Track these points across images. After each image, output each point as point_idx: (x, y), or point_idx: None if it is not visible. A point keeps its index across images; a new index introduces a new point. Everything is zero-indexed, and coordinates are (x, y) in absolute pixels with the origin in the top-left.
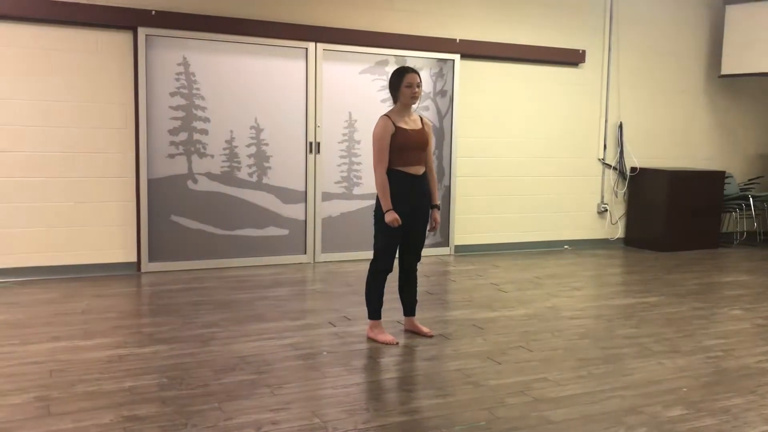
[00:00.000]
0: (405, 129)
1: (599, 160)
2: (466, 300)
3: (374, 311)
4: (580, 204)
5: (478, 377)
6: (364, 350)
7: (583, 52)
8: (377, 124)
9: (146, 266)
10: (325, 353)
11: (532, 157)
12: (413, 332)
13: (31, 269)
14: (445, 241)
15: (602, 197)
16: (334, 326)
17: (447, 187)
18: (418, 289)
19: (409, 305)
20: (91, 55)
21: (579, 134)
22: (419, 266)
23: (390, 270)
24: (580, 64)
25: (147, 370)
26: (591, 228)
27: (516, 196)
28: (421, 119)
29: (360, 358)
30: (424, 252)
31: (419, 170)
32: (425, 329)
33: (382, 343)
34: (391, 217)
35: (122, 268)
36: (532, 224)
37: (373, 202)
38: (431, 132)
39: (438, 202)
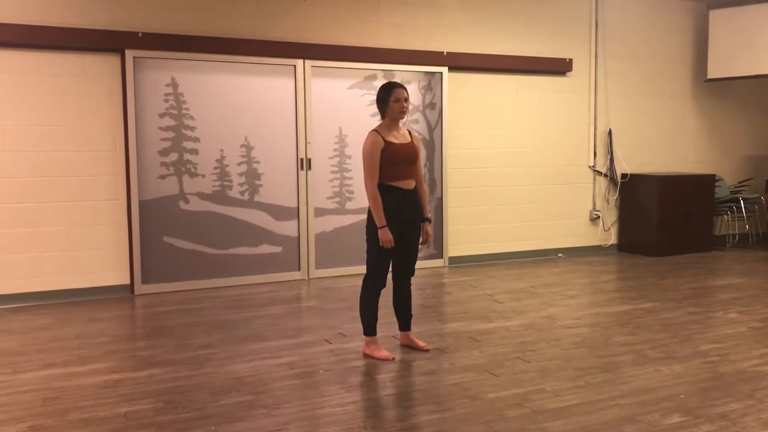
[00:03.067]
0: (394, 143)
1: (590, 167)
2: (461, 312)
3: (369, 327)
4: (572, 212)
5: (475, 390)
6: (361, 367)
7: (570, 60)
8: (366, 139)
9: (140, 288)
10: (321, 371)
11: (522, 167)
12: (410, 347)
13: (24, 295)
14: (438, 253)
15: (594, 204)
16: (330, 343)
17: (439, 199)
18: (413, 302)
19: (404, 320)
20: (79, 79)
21: (569, 142)
22: (413, 280)
23: (383, 285)
24: (568, 73)
25: (142, 394)
26: (584, 235)
27: (508, 206)
28: (410, 133)
29: (357, 375)
30: (418, 264)
31: (410, 184)
32: (421, 343)
33: (379, 359)
34: (385, 237)
35: (116, 291)
36: (525, 233)
37: (366, 216)
38: (420, 145)
39: (429, 215)
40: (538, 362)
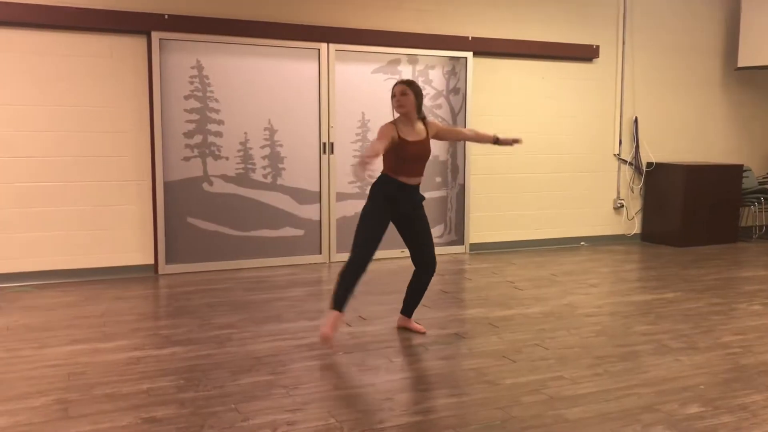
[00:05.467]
0: (407, 140)
1: (614, 155)
2: (481, 298)
3: (338, 302)
4: (595, 200)
5: (493, 376)
6: (380, 350)
7: (597, 47)
8: (382, 126)
9: (163, 268)
10: (340, 353)
11: (546, 154)
12: (406, 329)
13: (50, 273)
14: (460, 240)
15: (618, 193)
16: (350, 326)
17: (461, 185)
18: (432, 287)
19: (409, 306)
20: (105, 60)
21: (594, 130)
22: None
23: (364, 265)
24: (594, 60)
25: (164, 372)
26: (607, 224)
27: (531, 193)
28: (425, 123)
29: (375, 358)
30: (440, 250)
31: (416, 181)
32: (418, 326)
33: (324, 338)
34: (363, 162)
35: (140, 271)
36: (548, 221)
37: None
38: (437, 128)
39: (495, 135)
40: (556, 349)
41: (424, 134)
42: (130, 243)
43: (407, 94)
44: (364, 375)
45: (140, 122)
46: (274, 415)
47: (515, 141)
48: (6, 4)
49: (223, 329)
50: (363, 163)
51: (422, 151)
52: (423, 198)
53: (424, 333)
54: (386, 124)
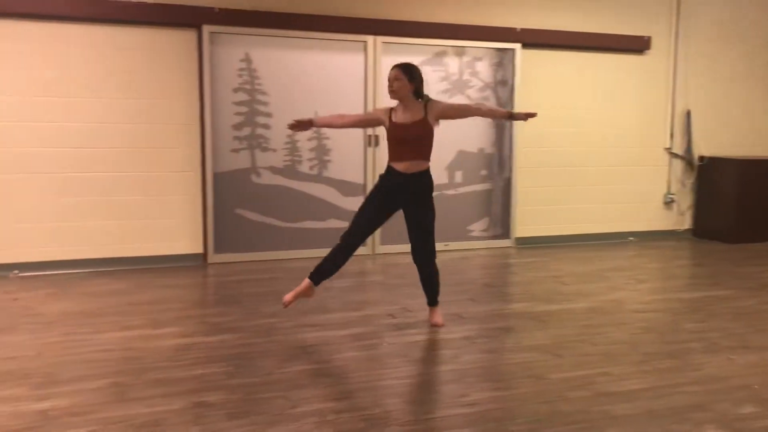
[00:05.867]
0: (395, 123)
1: (666, 149)
2: (526, 293)
3: (316, 273)
4: (645, 195)
5: (538, 370)
6: (424, 342)
7: (649, 38)
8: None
9: (212, 257)
10: (385, 344)
11: (595, 148)
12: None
13: (103, 260)
14: (505, 233)
15: (669, 187)
16: (395, 318)
17: (508, 178)
18: (476, 280)
19: (428, 295)
20: (158, 54)
21: (645, 123)
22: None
23: (349, 246)
24: (646, 51)
25: (213, 358)
26: (657, 219)
27: (579, 187)
28: (426, 106)
29: (420, 349)
30: (484, 244)
31: (407, 167)
32: (434, 319)
33: (284, 302)
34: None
35: (189, 260)
36: (596, 216)
37: (433, 194)
38: (440, 108)
39: (509, 111)
40: (603, 345)
41: (419, 117)
42: (180, 232)
43: (400, 79)
44: (410, 366)
45: (191, 114)
46: (321, 403)
47: (529, 115)
48: (66, 0)
49: (269, 318)
50: (300, 123)
51: (406, 133)
52: (427, 186)
53: (441, 326)
54: (380, 107)
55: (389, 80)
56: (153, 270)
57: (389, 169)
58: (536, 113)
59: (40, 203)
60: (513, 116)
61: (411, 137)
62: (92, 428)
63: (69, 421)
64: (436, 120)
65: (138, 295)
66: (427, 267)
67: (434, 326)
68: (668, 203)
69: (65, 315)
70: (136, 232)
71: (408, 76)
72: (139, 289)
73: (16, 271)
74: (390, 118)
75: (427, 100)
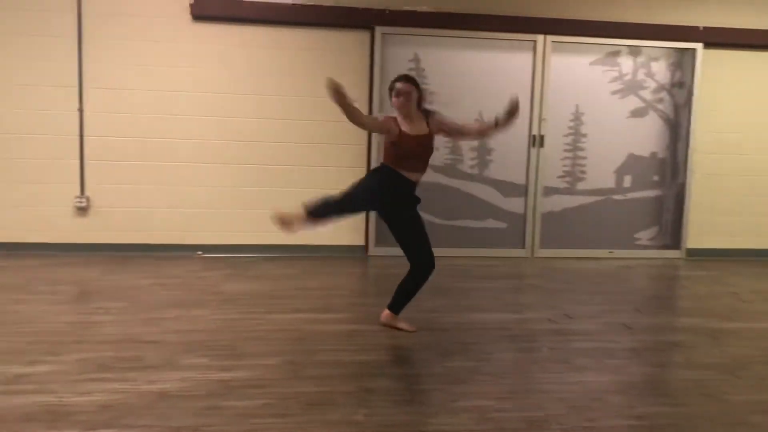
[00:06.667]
0: (407, 134)
1: None
2: (699, 307)
3: (313, 208)
4: None
5: (714, 390)
6: (587, 350)
7: None
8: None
9: (373, 250)
10: (546, 349)
11: None
12: (393, 327)
13: (274, 247)
14: (675, 243)
15: None
16: (556, 323)
17: (681, 185)
18: (643, 291)
19: (397, 303)
20: (332, 54)
21: None
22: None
23: (336, 210)
24: None
25: (376, 346)
26: None
27: (763, 198)
28: (428, 118)
29: (582, 356)
30: (651, 254)
31: (417, 177)
32: (405, 325)
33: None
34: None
35: (352, 251)
36: None
37: (599, 198)
38: (443, 122)
39: (495, 118)
40: None
41: (426, 130)
42: (344, 225)
43: (412, 92)
44: (571, 373)
45: None
46: (481, 400)
47: (511, 114)
48: (252, 4)
49: (429, 312)
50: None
51: (419, 146)
52: (419, 200)
53: (413, 332)
54: (388, 115)
55: (402, 93)
56: (319, 258)
57: (393, 172)
58: (518, 106)
59: (221, 191)
60: (498, 122)
61: (424, 150)
62: (268, 401)
63: (248, 392)
64: (436, 133)
65: (306, 280)
66: (429, 274)
67: (384, 325)
68: None
69: (242, 294)
70: None
71: (418, 89)
72: (307, 275)
73: (199, 252)
74: (399, 127)
75: (427, 112)
